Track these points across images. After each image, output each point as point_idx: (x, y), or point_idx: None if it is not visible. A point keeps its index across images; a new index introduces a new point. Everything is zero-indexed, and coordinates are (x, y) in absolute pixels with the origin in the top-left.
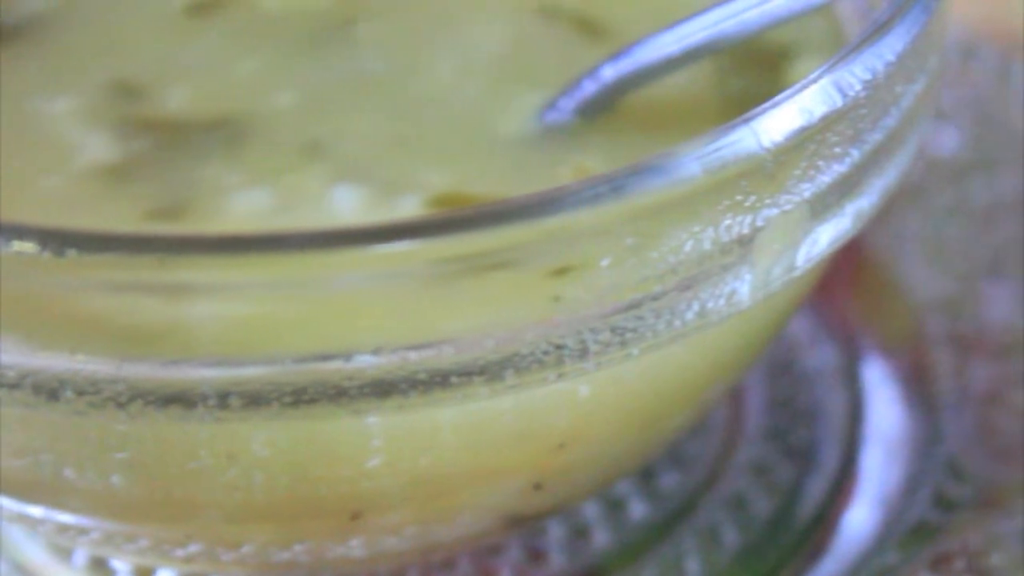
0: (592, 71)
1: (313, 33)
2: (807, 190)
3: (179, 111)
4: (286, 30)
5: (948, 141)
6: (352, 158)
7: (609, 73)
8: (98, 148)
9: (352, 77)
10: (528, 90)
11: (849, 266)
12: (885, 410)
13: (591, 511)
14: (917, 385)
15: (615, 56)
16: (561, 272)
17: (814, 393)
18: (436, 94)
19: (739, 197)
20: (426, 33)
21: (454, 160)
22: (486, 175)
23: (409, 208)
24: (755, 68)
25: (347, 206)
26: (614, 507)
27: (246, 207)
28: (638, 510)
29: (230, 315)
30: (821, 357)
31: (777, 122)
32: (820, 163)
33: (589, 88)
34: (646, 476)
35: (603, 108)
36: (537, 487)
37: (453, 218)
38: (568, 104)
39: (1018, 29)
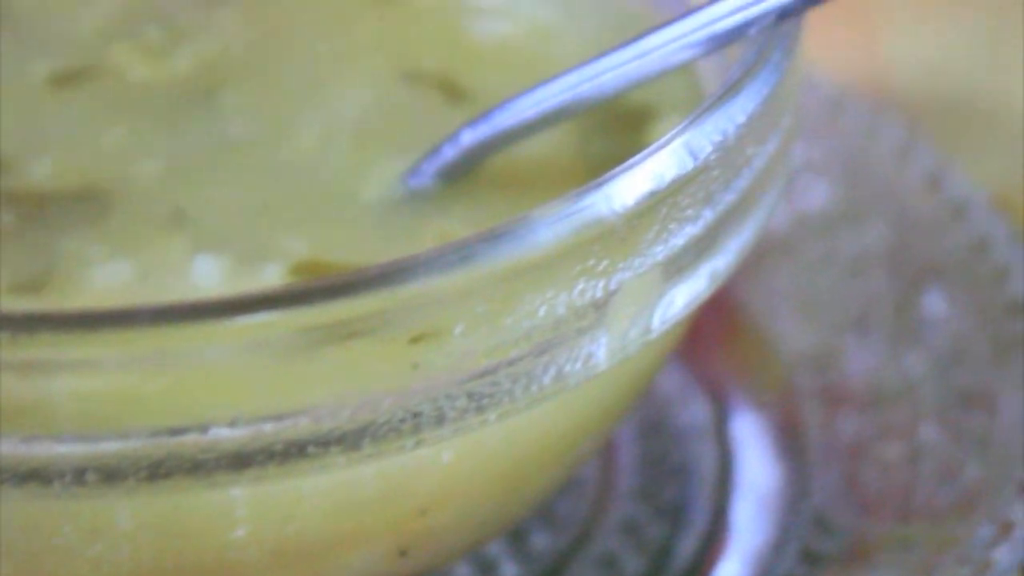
0: (451, 136)
1: (177, 102)
2: (660, 253)
3: (43, 182)
4: (151, 99)
5: (818, 194)
6: (214, 227)
7: (468, 137)
8: None
9: (216, 145)
10: (391, 155)
11: (719, 321)
12: (755, 465)
13: (463, 574)
14: (786, 439)
15: (474, 121)
16: (418, 339)
17: (685, 450)
18: (299, 160)
19: (592, 262)
20: (289, 100)
21: (317, 227)
22: (349, 242)
23: (272, 277)
24: (618, 129)
25: (209, 276)
26: (486, 569)
27: (108, 279)
28: (510, 571)
29: (88, 391)
30: (692, 413)
31: (628, 186)
32: (672, 226)
33: (449, 153)
34: (517, 537)
35: (465, 172)
36: (402, 553)
37: (300, 290)
38: (430, 169)
39: (887, 84)
